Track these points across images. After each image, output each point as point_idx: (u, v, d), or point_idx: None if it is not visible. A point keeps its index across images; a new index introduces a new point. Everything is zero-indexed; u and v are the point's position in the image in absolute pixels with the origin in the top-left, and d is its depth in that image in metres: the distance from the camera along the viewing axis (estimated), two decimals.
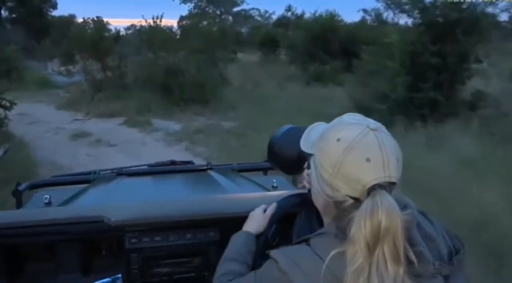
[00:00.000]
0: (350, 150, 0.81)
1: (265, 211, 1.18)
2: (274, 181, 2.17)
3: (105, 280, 1.39)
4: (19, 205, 1.94)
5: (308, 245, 0.84)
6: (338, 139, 0.83)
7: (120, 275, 1.41)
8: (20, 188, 1.95)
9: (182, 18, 19.20)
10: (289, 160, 1.19)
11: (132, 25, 22.98)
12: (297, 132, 1.05)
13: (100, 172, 2.14)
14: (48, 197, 1.86)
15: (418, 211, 0.88)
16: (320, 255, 0.80)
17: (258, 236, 1.15)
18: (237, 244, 1.11)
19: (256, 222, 1.16)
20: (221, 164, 2.43)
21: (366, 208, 0.76)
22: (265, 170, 2.46)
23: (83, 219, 1.41)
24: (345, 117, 0.90)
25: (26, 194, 1.99)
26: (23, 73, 16.02)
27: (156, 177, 2.12)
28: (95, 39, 12.24)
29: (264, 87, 14.84)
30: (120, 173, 2.08)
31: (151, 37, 11.67)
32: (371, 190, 0.78)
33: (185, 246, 1.44)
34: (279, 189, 2.01)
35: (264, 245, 1.14)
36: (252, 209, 1.21)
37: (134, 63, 12.17)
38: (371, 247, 0.75)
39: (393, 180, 0.80)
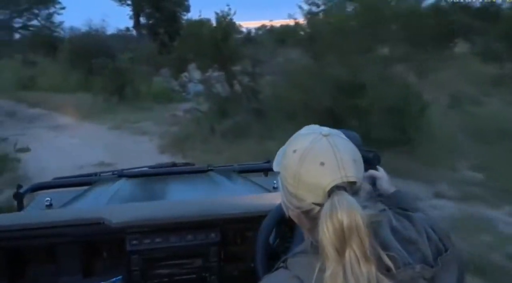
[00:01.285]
0: (305, 157, 0.83)
1: None
2: (275, 182, 2.03)
3: (106, 281, 1.40)
4: (20, 208, 1.95)
5: (287, 267, 0.83)
6: (294, 151, 0.86)
7: (120, 277, 1.41)
8: (22, 190, 1.96)
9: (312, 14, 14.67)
10: None
11: (262, 25, 20.18)
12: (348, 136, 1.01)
13: (101, 174, 2.14)
14: (49, 199, 1.88)
15: (399, 213, 0.88)
16: (301, 278, 0.79)
17: None
18: None
19: None
20: (222, 165, 2.35)
21: (326, 211, 0.77)
22: (265, 171, 2.34)
23: (84, 221, 1.43)
24: (302, 130, 0.92)
25: (27, 197, 1.99)
26: (141, 85, 12.99)
27: (157, 178, 2.09)
28: (218, 39, 8.14)
29: (473, 102, 9.28)
30: (121, 174, 2.06)
31: (315, 30, 7.01)
32: (331, 193, 0.79)
33: (186, 248, 1.43)
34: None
35: (265, 247, 1.17)
36: (253, 211, 1.24)
37: (276, 74, 7.72)
38: (340, 249, 0.74)
39: (351, 179, 0.81)
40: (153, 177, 2.09)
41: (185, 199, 1.73)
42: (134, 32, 24.64)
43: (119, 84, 11.90)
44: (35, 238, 1.41)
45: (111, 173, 2.14)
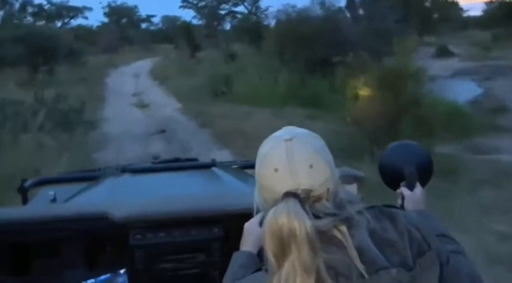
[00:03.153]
0: (263, 162, 0.85)
1: (261, 222, 1.06)
2: None
3: (109, 275, 1.42)
4: (24, 202, 1.99)
5: (266, 270, 0.82)
6: (259, 155, 0.88)
7: (123, 271, 1.43)
8: (26, 184, 1.99)
9: None
10: (389, 174, 1.19)
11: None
12: (405, 149, 1.13)
13: (105, 169, 2.18)
14: (53, 193, 1.89)
15: (382, 211, 0.84)
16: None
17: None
18: (234, 266, 1.03)
19: (255, 239, 1.07)
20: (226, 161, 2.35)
21: (269, 217, 0.77)
22: None
23: (88, 215, 1.46)
24: (276, 132, 0.91)
25: (31, 191, 2.03)
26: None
27: (160, 173, 2.10)
28: None
29: None
30: (125, 169, 2.07)
31: None
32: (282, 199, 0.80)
33: (189, 242, 1.46)
34: None
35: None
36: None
37: None
38: (280, 258, 0.74)
39: (303, 186, 0.80)
40: (156, 172, 2.12)
41: (188, 194, 1.75)
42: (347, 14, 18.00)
43: (398, 109, 5.42)
44: (39, 232, 1.45)
45: (114, 168, 2.17)
